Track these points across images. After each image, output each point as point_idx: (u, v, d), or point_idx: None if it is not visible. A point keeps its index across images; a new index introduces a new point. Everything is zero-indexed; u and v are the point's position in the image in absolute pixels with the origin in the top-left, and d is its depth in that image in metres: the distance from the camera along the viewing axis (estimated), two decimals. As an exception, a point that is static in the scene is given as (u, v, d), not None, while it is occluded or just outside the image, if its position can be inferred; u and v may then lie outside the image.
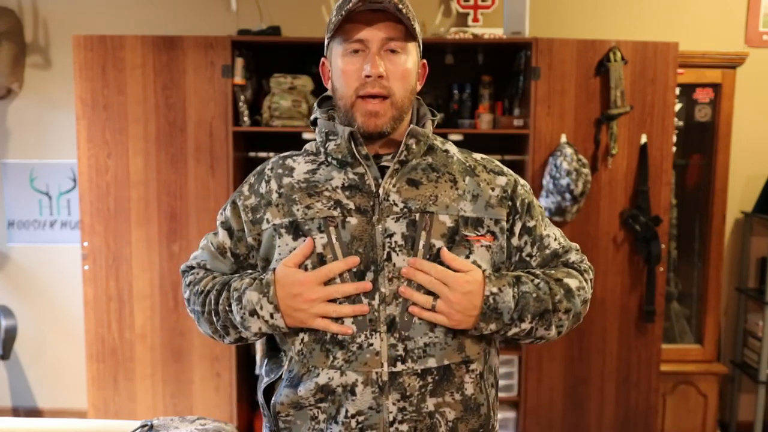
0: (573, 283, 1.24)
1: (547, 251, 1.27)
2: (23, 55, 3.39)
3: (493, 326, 1.16)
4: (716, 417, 3.34)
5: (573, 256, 1.30)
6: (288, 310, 1.15)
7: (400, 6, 1.13)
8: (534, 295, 1.18)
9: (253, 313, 1.17)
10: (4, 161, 3.48)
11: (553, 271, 1.25)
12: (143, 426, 2.00)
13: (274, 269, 1.19)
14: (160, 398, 3.00)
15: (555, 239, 1.29)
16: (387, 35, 1.14)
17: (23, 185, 3.49)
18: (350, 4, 1.12)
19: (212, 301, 1.23)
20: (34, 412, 3.56)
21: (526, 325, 1.18)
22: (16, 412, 3.57)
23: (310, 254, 1.15)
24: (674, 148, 3.09)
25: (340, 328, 1.14)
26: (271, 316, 1.16)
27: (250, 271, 1.27)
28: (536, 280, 1.21)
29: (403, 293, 1.14)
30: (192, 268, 1.34)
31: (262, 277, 1.19)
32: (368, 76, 1.14)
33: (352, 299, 1.15)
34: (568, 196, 2.80)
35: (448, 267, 1.15)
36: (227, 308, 1.20)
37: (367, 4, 1.12)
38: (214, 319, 1.23)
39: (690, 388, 3.30)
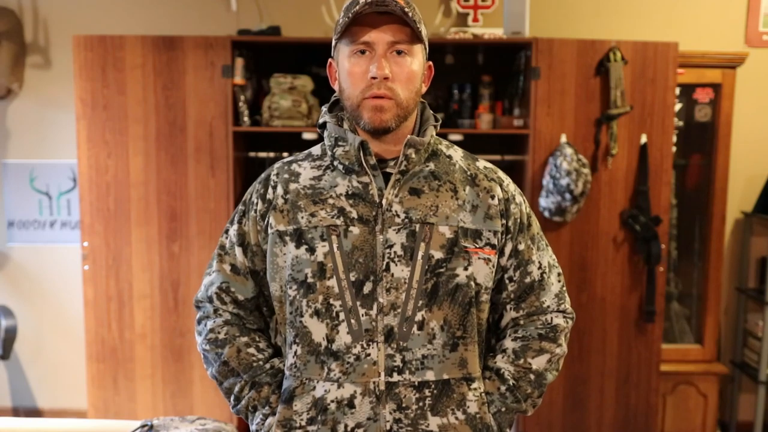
0: (542, 361, 1.25)
1: (527, 279, 1.27)
2: (23, 55, 3.39)
3: None
4: (716, 417, 3.34)
5: (548, 300, 1.28)
6: None
7: (407, 9, 1.14)
8: (503, 408, 1.24)
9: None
10: (4, 161, 3.48)
11: (521, 360, 1.25)
12: (143, 426, 2.01)
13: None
14: (160, 398, 3.00)
15: (539, 268, 1.28)
16: (393, 38, 1.15)
17: (23, 185, 3.49)
18: (357, 7, 1.13)
19: (237, 389, 1.26)
20: (34, 412, 3.56)
21: None
22: (16, 412, 3.57)
23: None
24: (674, 148, 3.09)
25: None
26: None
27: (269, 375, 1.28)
28: (502, 388, 1.24)
29: None
30: (210, 300, 1.30)
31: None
32: (374, 78, 1.15)
33: (349, 310, 1.15)
34: (568, 196, 2.80)
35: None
36: (251, 409, 1.26)
37: (374, 7, 1.13)
38: (233, 402, 1.28)
39: (690, 388, 3.30)
